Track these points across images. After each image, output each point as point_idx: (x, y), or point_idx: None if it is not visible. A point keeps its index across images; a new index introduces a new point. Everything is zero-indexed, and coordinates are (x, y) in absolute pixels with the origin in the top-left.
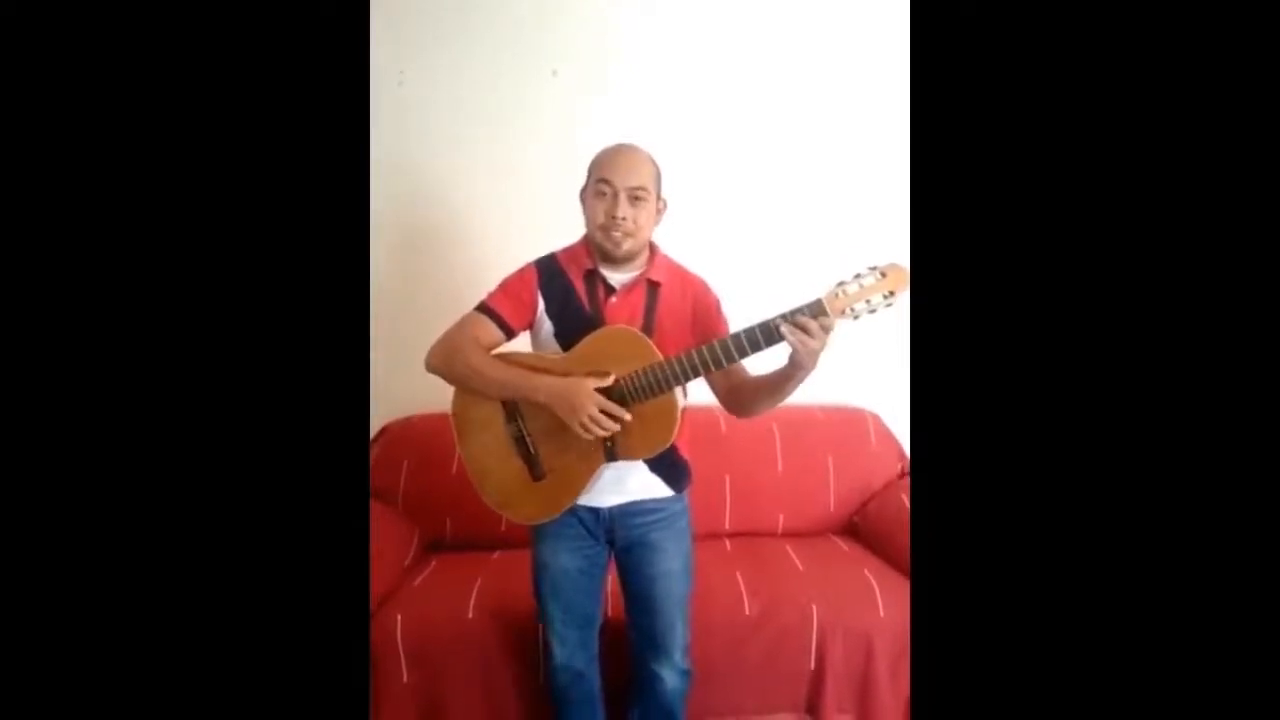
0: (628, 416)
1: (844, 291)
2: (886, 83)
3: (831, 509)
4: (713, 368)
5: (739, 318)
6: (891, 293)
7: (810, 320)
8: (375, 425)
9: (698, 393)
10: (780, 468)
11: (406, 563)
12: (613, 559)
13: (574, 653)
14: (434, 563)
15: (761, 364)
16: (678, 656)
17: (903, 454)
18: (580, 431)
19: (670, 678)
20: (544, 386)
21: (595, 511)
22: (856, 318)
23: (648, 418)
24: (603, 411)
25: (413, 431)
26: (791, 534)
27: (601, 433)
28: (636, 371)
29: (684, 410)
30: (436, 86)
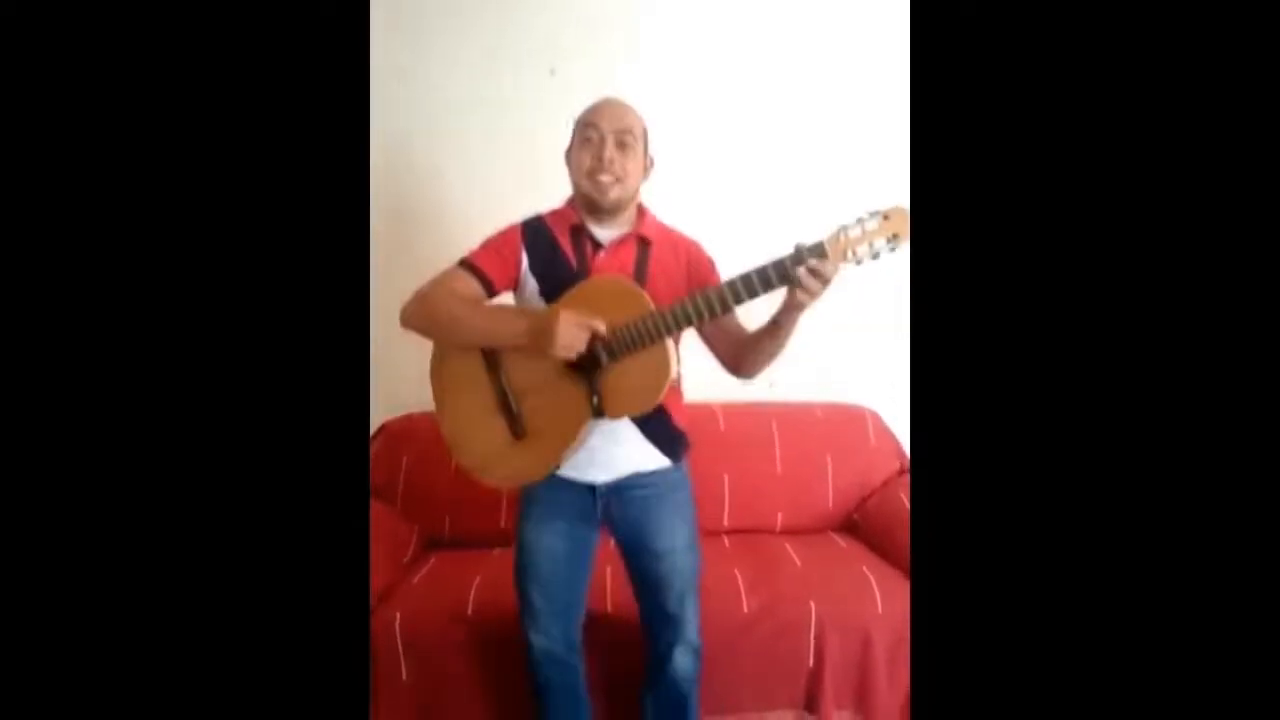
0: (602, 327)
1: (845, 235)
2: (887, 84)
3: (830, 506)
4: (707, 315)
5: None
6: (895, 235)
7: (820, 261)
8: (374, 423)
9: (696, 390)
10: (779, 465)
11: (405, 560)
12: (609, 541)
13: (553, 640)
14: (433, 560)
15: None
16: (690, 632)
17: (901, 452)
18: (562, 353)
19: (683, 656)
20: (525, 326)
21: (590, 489)
22: (859, 263)
23: (636, 371)
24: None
25: (411, 429)
26: (790, 531)
27: (580, 344)
28: (627, 321)
29: (677, 377)
30: (436, 84)
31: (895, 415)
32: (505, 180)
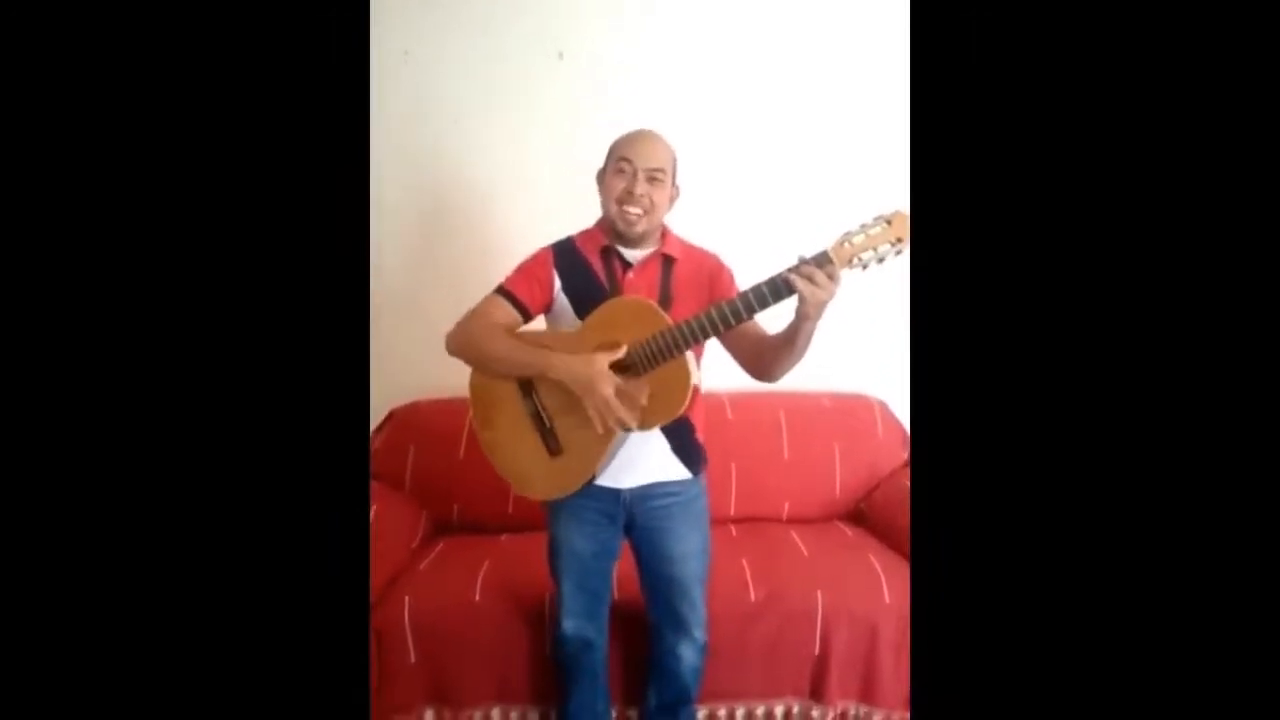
0: (644, 400)
1: (850, 241)
2: (890, 77)
3: (837, 495)
4: (721, 328)
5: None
6: (899, 239)
7: (816, 269)
8: (382, 410)
9: (703, 379)
10: (786, 454)
11: (414, 545)
12: (627, 542)
13: (583, 624)
14: (441, 545)
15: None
16: (696, 631)
17: (909, 441)
18: (595, 419)
19: (688, 653)
20: (560, 364)
21: (615, 494)
22: (865, 268)
23: (660, 385)
24: (619, 395)
25: (419, 415)
26: (797, 520)
27: (615, 425)
28: (647, 339)
29: (696, 387)
30: (441, 66)
31: (903, 405)
32: (508, 163)
